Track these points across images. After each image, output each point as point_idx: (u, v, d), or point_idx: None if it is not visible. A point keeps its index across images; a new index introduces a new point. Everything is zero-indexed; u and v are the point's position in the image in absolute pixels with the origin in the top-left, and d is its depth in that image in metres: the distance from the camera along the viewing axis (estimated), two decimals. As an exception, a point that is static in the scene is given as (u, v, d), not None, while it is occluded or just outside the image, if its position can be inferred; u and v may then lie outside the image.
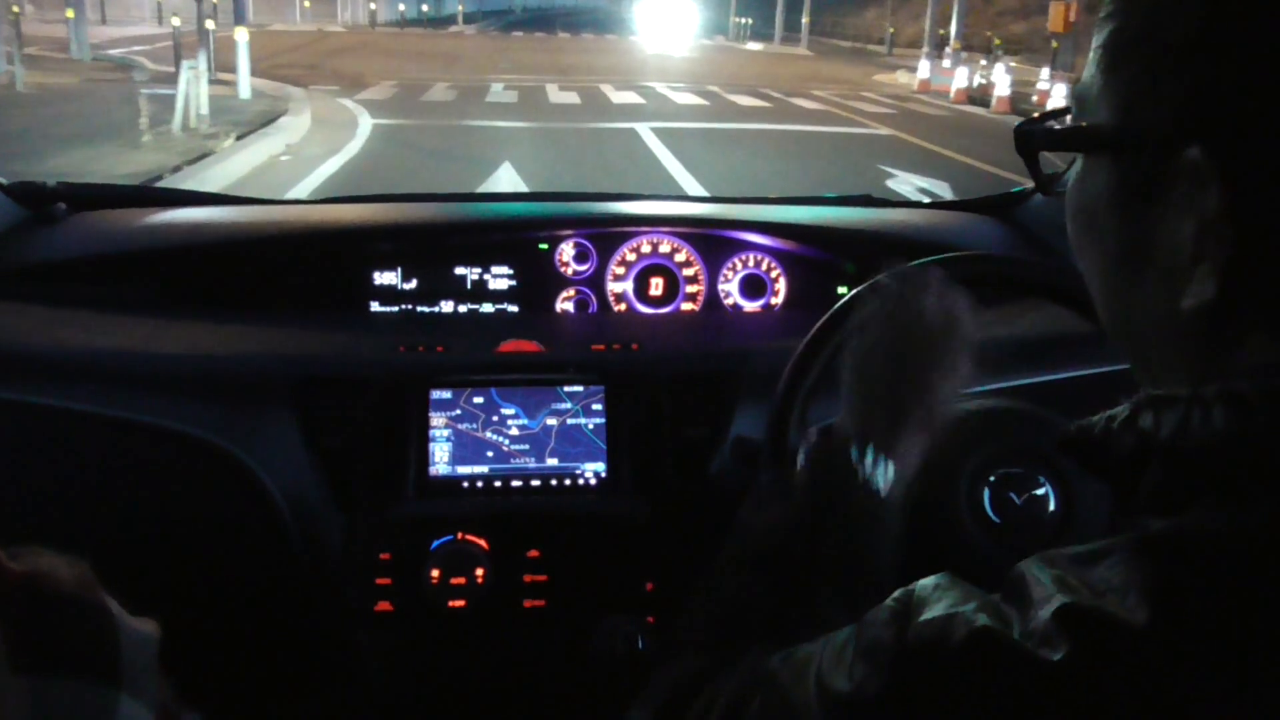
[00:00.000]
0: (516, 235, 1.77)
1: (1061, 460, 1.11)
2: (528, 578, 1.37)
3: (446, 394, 1.42)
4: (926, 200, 2.02)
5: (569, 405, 1.44)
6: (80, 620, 0.62)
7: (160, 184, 6.42)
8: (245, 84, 12.57)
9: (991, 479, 1.10)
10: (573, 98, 15.39)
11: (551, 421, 1.43)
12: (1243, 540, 0.50)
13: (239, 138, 9.22)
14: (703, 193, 7.66)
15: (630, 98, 15.80)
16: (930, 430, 0.91)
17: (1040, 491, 1.11)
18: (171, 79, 10.53)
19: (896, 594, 0.61)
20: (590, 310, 1.78)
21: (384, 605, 1.36)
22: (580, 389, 1.44)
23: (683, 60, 25.96)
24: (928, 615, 0.57)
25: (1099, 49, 0.62)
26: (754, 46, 33.81)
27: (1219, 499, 0.52)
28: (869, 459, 0.89)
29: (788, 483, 0.96)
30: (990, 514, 1.09)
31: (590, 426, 1.43)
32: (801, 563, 0.87)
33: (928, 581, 0.60)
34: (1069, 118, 0.68)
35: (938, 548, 1.07)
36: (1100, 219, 0.63)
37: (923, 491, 0.99)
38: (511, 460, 1.42)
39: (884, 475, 0.89)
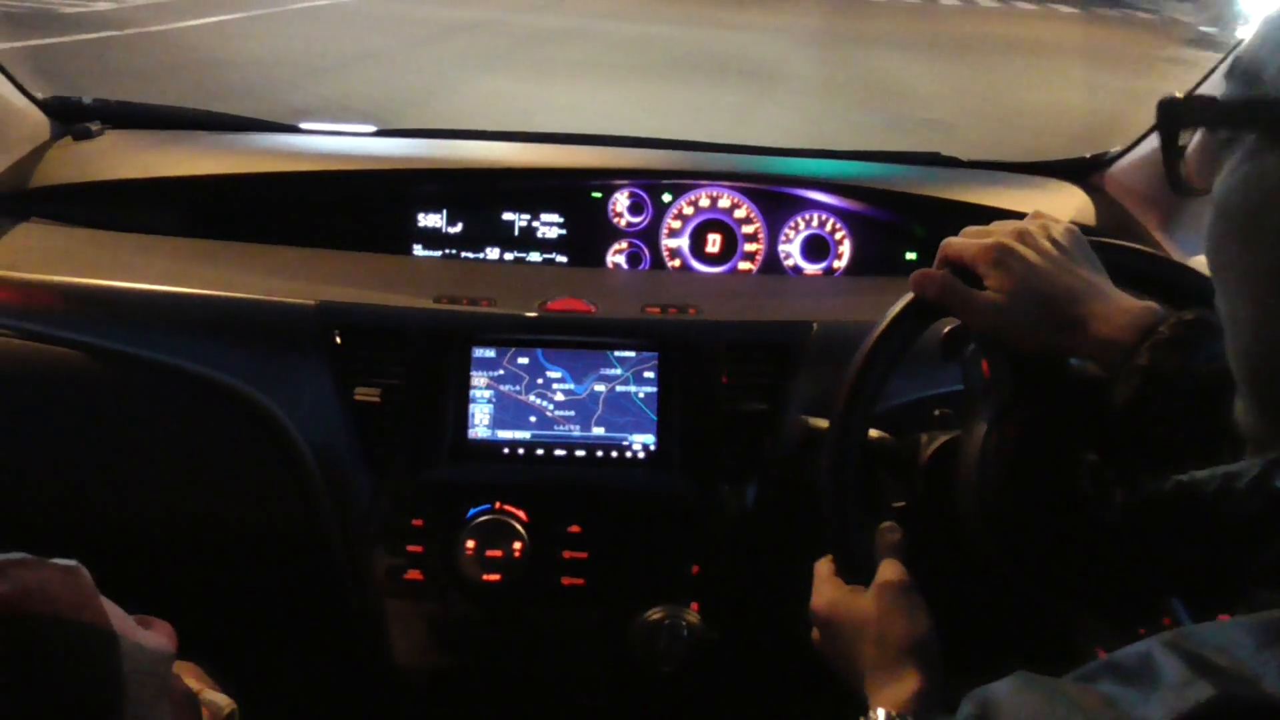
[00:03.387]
0: (569, 182, 1.68)
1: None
2: (567, 554, 1.30)
3: (490, 352, 1.34)
4: (1001, 161, 1.88)
5: (619, 371, 1.35)
6: (76, 650, 0.55)
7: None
8: None
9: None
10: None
11: (600, 388, 1.35)
12: None
13: None
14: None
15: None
16: None
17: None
18: None
19: (969, 709, 0.52)
20: (643, 265, 1.69)
21: (414, 574, 1.29)
22: (632, 354, 1.36)
23: (923, 44, 11.90)
24: None
25: None
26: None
27: None
28: None
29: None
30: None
31: (641, 395, 1.35)
32: None
33: (1001, 686, 0.52)
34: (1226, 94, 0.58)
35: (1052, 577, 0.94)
36: (1272, 220, 0.53)
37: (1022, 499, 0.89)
38: (555, 427, 1.34)
39: None
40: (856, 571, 0.93)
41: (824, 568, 0.97)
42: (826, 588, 0.95)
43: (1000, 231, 0.94)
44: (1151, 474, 0.82)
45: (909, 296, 0.97)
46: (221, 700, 0.84)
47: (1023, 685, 0.51)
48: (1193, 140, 0.63)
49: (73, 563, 0.60)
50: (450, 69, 8.92)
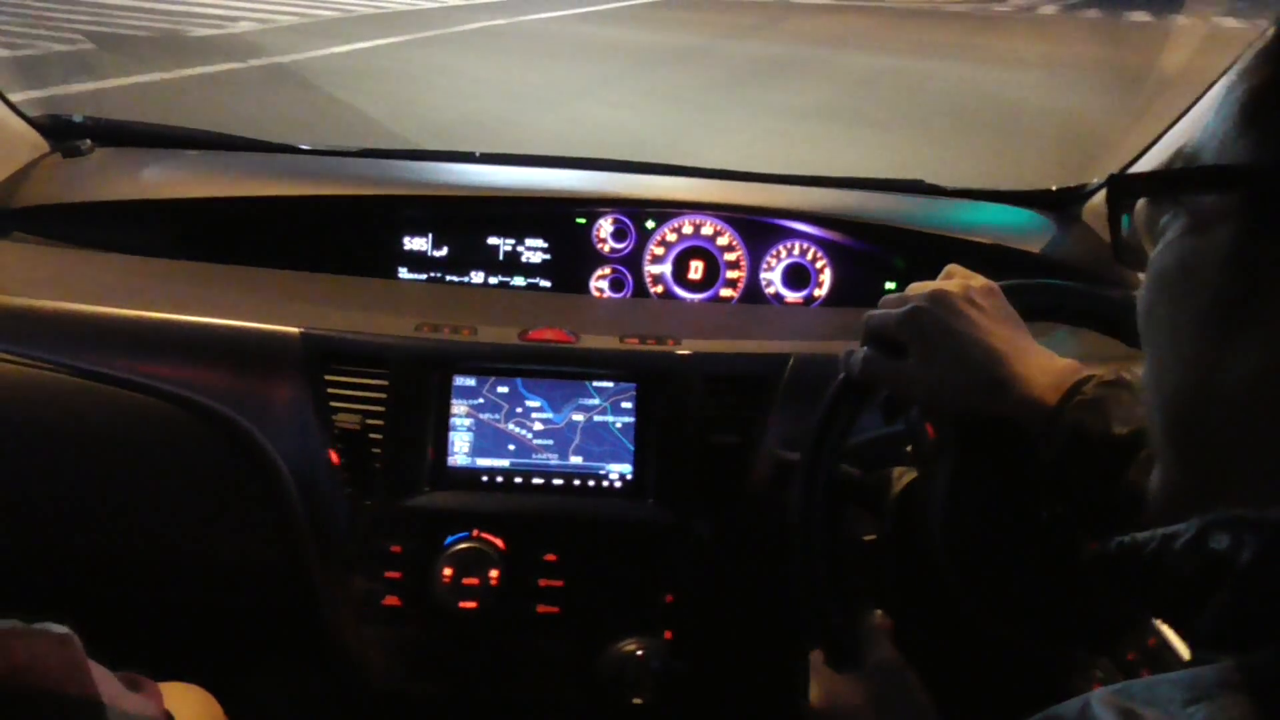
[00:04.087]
0: (553, 208, 1.70)
1: None
2: (543, 582, 1.32)
3: (471, 381, 1.36)
4: (983, 189, 1.90)
5: (597, 401, 1.37)
6: None
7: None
8: None
9: None
10: None
11: (578, 417, 1.37)
12: None
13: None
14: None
15: None
16: None
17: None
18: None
19: None
20: (626, 291, 1.71)
21: (391, 600, 1.31)
22: (610, 385, 1.38)
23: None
24: None
25: (1245, 93, 0.55)
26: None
27: None
28: None
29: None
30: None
31: (618, 425, 1.37)
32: None
33: None
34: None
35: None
36: (1205, 270, 0.56)
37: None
38: (533, 455, 1.36)
39: None
40: (845, 658, 0.95)
41: (816, 659, 0.99)
42: (820, 680, 0.96)
43: (916, 297, 0.95)
44: (1097, 528, 0.85)
45: (840, 377, 0.99)
46: None
47: None
48: (1137, 213, 0.66)
49: (64, 630, 0.61)
50: (666, 114, 7.38)
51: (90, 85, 6.77)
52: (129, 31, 9.05)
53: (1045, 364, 0.91)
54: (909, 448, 1.10)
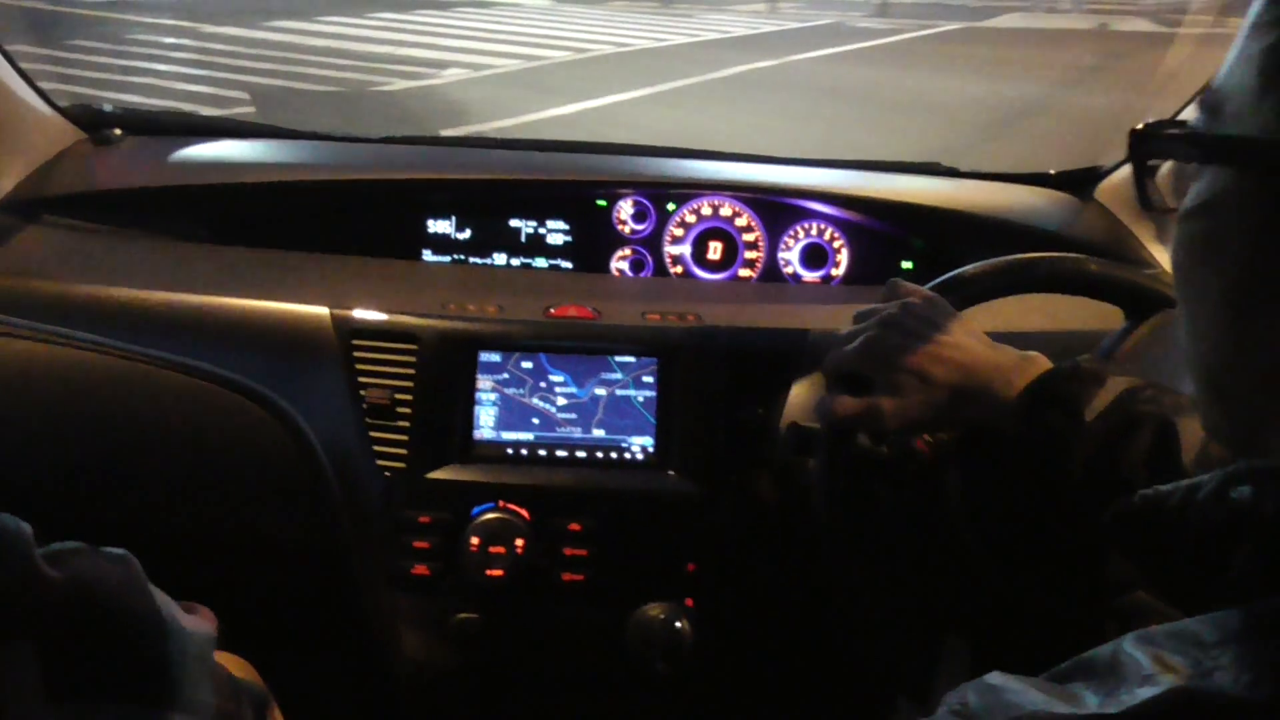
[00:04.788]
0: (574, 190, 1.73)
1: None
2: (568, 551, 1.35)
3: (496, 357, 1.39)
4: (998, 172, 1.91)
5: (620, 376, 1.40)
6: (127, 634, 0.59)
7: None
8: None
9: None
10: None
11: (600, 391, 1.40)
12: None
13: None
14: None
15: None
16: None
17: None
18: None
19: (952, 701, 0.53)
20: (646, 271, 1.73)
21: (421, 569, 1.34)
22: (632, 360, 1.41)
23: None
24: None
25: (1262, 54, 0.54)
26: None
27: None
28: None
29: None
30: None
31: (640, 399, 1.40)
32: None
33: (973, 686, 0.53)
34: (1192, 123, 0.60)
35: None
36: (1229, 245, 0.56)
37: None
38: (558, 429, 1.39)
39: None
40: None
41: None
42: None
43: (865, 327, 0.99)
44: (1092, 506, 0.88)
45: (824, 430, 1.03)
46: (257, 688, 0.88)
47: (996, 684, 0.52)
48: (1164, 164, 0.66)
49: (123, 552, 0.64)
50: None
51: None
52: (309, 85, 7.48)
53: (1000, 361, 0.95)
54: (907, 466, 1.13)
